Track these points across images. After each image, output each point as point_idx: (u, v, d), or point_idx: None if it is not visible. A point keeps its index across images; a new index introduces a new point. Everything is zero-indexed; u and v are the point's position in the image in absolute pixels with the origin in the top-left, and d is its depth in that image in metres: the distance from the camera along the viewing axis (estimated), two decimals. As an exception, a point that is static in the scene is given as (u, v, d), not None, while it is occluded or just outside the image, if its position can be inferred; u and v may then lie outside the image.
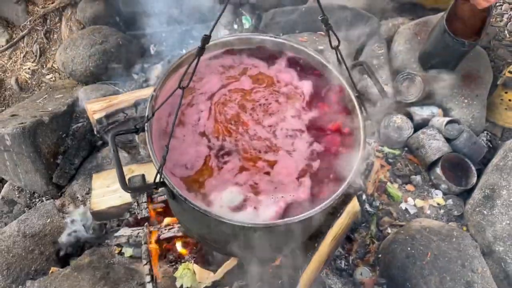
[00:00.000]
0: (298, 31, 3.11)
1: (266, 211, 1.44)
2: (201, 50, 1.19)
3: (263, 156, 1.56)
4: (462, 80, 2.91)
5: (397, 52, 3.06)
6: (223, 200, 1.46)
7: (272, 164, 1.55)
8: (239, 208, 1.45)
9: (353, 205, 2.15)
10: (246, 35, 1.79)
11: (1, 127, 2.36)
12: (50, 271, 2.13)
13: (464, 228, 2.51)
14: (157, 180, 1.36)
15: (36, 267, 2.16)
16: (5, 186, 2.68)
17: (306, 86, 1.73)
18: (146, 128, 1.45)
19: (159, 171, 1.34)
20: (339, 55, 1.48)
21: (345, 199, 2.14)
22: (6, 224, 2.46)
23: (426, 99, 2.91)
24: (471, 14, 2.75)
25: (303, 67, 1.79)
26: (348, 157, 1.50)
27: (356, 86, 1.56)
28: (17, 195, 2.63)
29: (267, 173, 1.54)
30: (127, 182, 1.38)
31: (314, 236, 2.02)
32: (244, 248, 1.58)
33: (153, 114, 1.44)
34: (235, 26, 3.22)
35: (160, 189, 1.53)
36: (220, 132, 1.60)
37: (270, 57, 1.81)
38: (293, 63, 1.80)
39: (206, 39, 1.17)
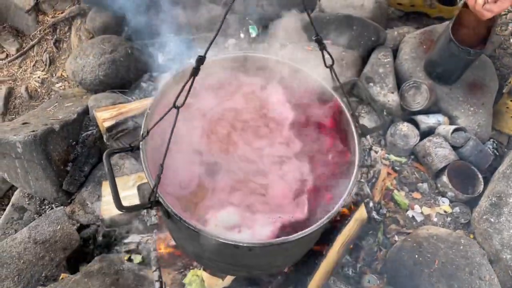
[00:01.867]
0: (304, 40, 3.14)
1: (262, 231, 1.46)
2: (195, 70, 1.21)
3: (253, 179, 1.59)
4: (468, 89, 2.94)
5: (402, 61, 3.08)
6: (219, 220, 1.48)
7: (264, 187, 1.58)
8: (234, 227, 1.47)
9: (361, 213, 2.16)
10: (243, 53, 1.80)
11: (13, 135, 2.39)
12: (60, 277, 2.15)
13: (471, 236, 2.51)
14: (152, 199, 1.37)
15: (47, 273, 2.18)
16: (15, 193, 2.71)
17: (295, 114, 1.75)
18: (141, 147, 1.47)
19: (153, 190, 1.35)
20: (333, 74, 1.49)
21: (352, 207, 2.16)
22: (16, 231, 2.49)
23: (432, 107, 2.93)
24: (476, 23, 2.77)
25: (296, 89, 1.80)
26: (343, 175, 1.53)
27: (350, 104, 1.57)
28: (27, 202, 2.66)
29: (262, 195, 1.56)
30: (122, 202, 1.39)
31: (322, 244, 2.04)
32: (240, 267, 1.60)
33: (147, 133, 1.45)
34: (242, 35, 3.26)
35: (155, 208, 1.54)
36: (212, 150, 1.62)
37: (265, 77, 1.83)
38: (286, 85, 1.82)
39: (200, 59, 1.20)
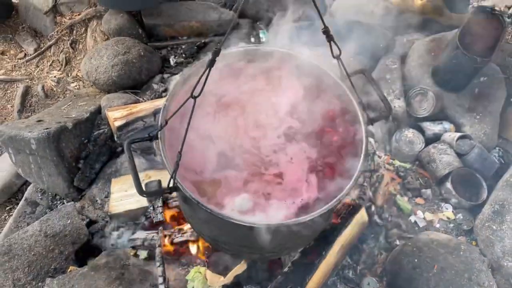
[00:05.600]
0: (314, 44, 3.18)
1: (275, 214, 1.50)
2: (212, 62, 1.28)
3: (266, 171, 1.64)
4: (475, 97, 2.95)
5: (410, 67, 3.11)
6: (235, 205, 1.54)
7: (280, 175, 1.62)
8: (248, 212, 1.52)
9: (361, 215, 2.20)
10: (253, 47, 1.84)
11: (27, 132, 2.49)
12: (69, 270, 2.22)
13: (474, 243, 2.53)
14: (171, 184, 1.43)
15: (56, 265, 2.26)
16: (29, 188, 2.81)
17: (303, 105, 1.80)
18: (159, 136, 1.53)
19: (172, 176, 1.41)
20: (340, 64, 1.53)
21: (353, 210, 2.19)
22: (28, 224, 2.58)
23: (439, 114, 2.95)
24: (484, 32, 2.79)
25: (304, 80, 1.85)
26: (350, 156, 1.57)
27: (357, 92, 1.61)
28: (40, 197, 2.75)
29: (279, 183, 1.61)
30: (143, 187, 1.46)
31: (322, 244, 2.08)
32: (254, 249, 1.65)
33: (166, 122, 1.51)
34: (252, 39, 3.32)
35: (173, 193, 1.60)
36: (223, 136, 1.68)
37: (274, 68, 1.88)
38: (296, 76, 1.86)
39: (216, 51, 1.26)
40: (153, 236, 2.28)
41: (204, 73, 1.30)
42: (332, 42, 1.45)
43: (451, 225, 2.60)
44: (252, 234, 1.53)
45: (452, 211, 2.65)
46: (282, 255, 2.07)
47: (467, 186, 2.70)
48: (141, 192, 1.44)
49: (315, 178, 1.60)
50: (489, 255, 2.41)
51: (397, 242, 2.44)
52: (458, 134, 2.76)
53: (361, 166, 1.49)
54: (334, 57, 1.51)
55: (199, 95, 1.34)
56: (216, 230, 1.61)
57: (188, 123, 1.38)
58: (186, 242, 2.23)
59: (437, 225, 2.58)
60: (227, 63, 1.81)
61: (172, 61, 3.29)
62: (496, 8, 2.94)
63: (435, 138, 2.86)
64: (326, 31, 1.43)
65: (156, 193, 1.54)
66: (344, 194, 1.42)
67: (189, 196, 1.43)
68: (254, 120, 1.77)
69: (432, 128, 2.88)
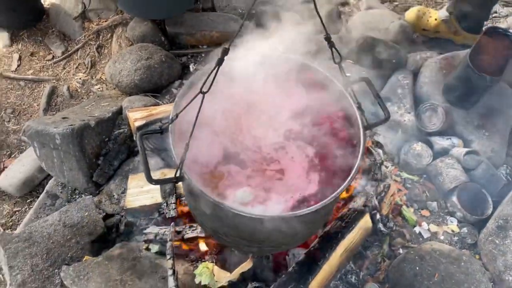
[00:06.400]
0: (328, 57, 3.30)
1: (273, 207, 1.60)
2: (220, 60, 1.39)
3: (268, 167, 1.73)
4: (485, 114, 3.02)
5: (422, 83, 3.20)
6: (236, 197, 1.63)
7: (280, 172, 1.72)
8: (248, 204, 1.62)
9: (365, 221, 2.28)
10: (268, 52, 1.95)
11: (53, 127, 2.64)
12: (84, 259, 2.34)
13: (477, 257, 2.57)
14: (177, 174, 1.53)
15: (72, 254, 2.38)
16: (50, 181, 2.95)
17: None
18: (169, 129, 1.64)
19: (179, 167, 1.51)
20: (341, 70, 1.63)
21: (357, 215, 2.27)
22: (47, 216, 2.71)
23: (448, 130, 3.02)
24: (495, 51, 2.87)
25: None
26: (348, 157, 1.66)
27: (357, 98, 1.70)
28: (60, 191, 2.89)
29: (280, 179, 1.71)
30: (152, 176, 1.54)
31: (325, 247, 2.17)
32: (253, 242, 1.73)
33: (176, 116, 1.62)
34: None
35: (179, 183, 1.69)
36: (227, 132, 1.79)
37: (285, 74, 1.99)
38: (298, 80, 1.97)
39: (225, 50, 1.38)
40: (165, 231, 2.38)
41: (212, 71, 1.41)
42: (333, 48, 1.56)
43: (456, 238, 2.65)
44: (250, 226, 1.62)
45: (457, 225, 2.70)
46: (279, 250, 2.15)
47: (473, 200, 2.75)
48: (150, 180, 1.53)
49: (315, 176, 1.69)
50: (491, 269, 2.45)
51: (401, 251, 2.50)
52: (466, 150, 2.82)
53: (356, 168, 1.57)
54: (335, 63, 1.61)
55: (207, 91, 1.45)
56: (217, 222, 1.70)
57: (196, 118, 1.47)
58: (196, 238, 2.33)
59: (442, 237, 2.63)
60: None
61: (191, 68, 3.44)
62: (510, 30, 3.03)
63: (444, 153, 2.92)
64: (327, 38, 1.54)
65: (164, 181, 1.64)
66: (338, 192, 1.51)
67: (193, 185, 1.52)
68: (257, 120, 1.87)
69: (440, 142, 2.94)
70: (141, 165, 2.75)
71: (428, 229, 2.66)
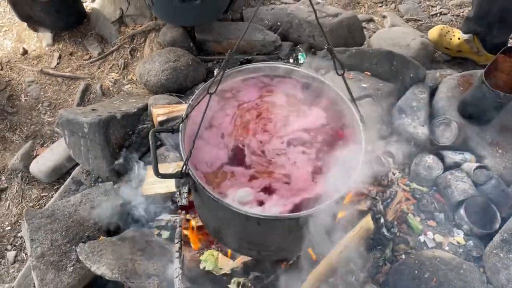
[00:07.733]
0: (347, 69, 3.41)
1: (272, 209, 1.66)
2: (226, 63, 1.52)
3: (274, 170, 1.81)
4: (499, 131, 3.04)
5: (438, 99, 3.25)
6: (237, 196, 1.70)
7: (287, 176, 1.79)
8: (247, 203, 1.69)
9: (367, 221, 2.34)
10: (274, 64, 2.10)
11: (82, 117, 2.85)
12: (100, 238, 2.51)
13: (481, 270, 2.57)
14: (183, 171, 1.65)
15: (89, 234, 2.55)
16: (76, 168, 3.16)
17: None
18: (180, 129, 1.78)
19: (185, 163, 1.63)
20: (345, 82, 1.72)
21: (358, 215, 2.35)
22: (71, 200, 2.91)
23: (461, 145, 3.05)
24: (510, 69, 2.91)
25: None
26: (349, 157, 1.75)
27: (360, 111, 1.80)
28: (84, 178, 3.09)
29: (287, 183, 1.77)
30: (159, 170, 1.67)
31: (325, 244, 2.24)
32: (251, 244, 1.81)
33: (187, 116, 1.76)
34: (291, 61, 3.59)
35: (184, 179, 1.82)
36: (236, 136, 1.89)
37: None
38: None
39: (230, 54, 1.51)
40: (176, 219, 2.52)
41: (219, 72, 1.55)
42: (335, 59, 1.65)
43: (461, 249, 2.66)
44: (249, 227, 1.70)
45: (463, 237, 2.71)
46: (278, 257, 2.21)
47: (481, 215, 2.76)
48: (157, 173, 1.66)
49: (318, 180, 1.75)
50: (495, 282, 2.45)
51: (403, 257, 2.54)
52: (476, 164, 2.85)
53: (358, 168, 1.66)
54: (338, 74, 1.69)
55: (214, 92, 1.58)
56: (218, 221, 1.79)
57: (203, 117, 1.60)
58: (203, 227, 2.46)
59: (446, 248, 2.65)
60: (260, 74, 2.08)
61: (215, 73, 3.61)
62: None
63: (455, 167, 2.94)
64: (329, 49, 1.63)
65: (169, 176, 1.76)
66: (338, 197, 1.59)
67: (196, 181, 1.62)
68: (264, 127, 1.96)
69: (452, 156, 2.98)
70: (160, 159, 2.92)
71: (433, 239, 2.68)
